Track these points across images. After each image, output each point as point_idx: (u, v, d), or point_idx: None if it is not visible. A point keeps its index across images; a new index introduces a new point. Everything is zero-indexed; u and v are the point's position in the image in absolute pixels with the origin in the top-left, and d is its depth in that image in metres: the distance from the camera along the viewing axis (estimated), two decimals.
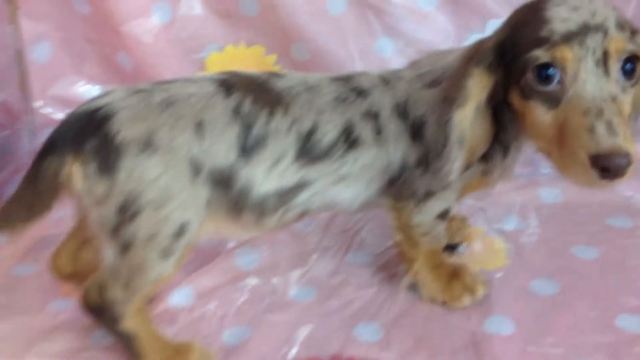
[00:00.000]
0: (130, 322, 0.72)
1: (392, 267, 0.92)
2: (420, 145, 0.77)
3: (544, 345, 0.77)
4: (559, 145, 0.64)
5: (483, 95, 0.69)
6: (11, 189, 1.12)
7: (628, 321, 0.80)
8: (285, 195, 0.75)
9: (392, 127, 0.77)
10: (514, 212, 1.05)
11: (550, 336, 0.78)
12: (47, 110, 1.25)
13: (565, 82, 0.63)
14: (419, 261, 0.85)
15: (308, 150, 0.74)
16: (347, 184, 0.78)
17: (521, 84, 0.66)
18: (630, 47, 0.63)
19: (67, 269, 0.81)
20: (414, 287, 0.87)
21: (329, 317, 0.83)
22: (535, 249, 0.96)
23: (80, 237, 0.79)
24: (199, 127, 0.70)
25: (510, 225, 1.02)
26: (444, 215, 0.82)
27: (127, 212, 0.67)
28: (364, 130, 0.76)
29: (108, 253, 0.70)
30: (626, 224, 1.01)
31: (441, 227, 0.83)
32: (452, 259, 0.92)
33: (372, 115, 0.77)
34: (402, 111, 0.77)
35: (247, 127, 0.72)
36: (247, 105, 0.72)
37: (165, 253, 0.70)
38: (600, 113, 0.61)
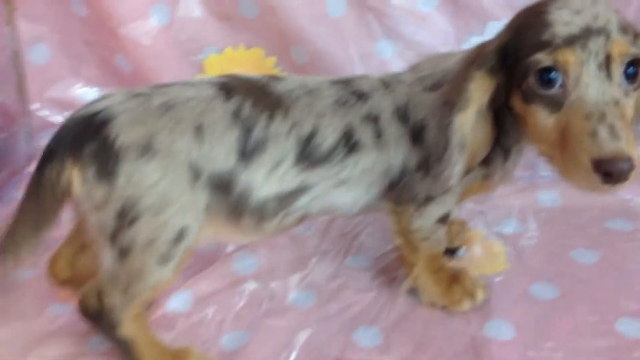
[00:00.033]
0: (128, 328, 0.72)
1: (391, 271, 0.92)
2: (420, 149, 0.76)
3: (544, 349, 0.77)
4: (561, 150, 0.64)
5: (484, 99, 0.69)
6: (8, 192, 1.13)
7: (628, 325, 0.80)
8: (285, 200, 0.75)
9: (393, 130, 0.77)
10: (513, 215, 1.05)
11: (550, 341, 0.78)
12: (44, 112, 1.25)
13: (567, 86, 0.63)
14: (418, 265, 0.84)
15: (308, 154, 0.74)
16: (347, 188, 0.77)
17: (523, 88, 0.66)
18: (633, 51, 0.63)
19: (65, 274, 0.80)
20: (413, 292, 0.86)
21: (328, 322, 0.83)
22: (535, 253, 0.95)
23: (78, 242, 0.79)
24: (199, 131, 0.69)
25: (509, 228, 1.02)
26: (444, 219, 0.81)
27: (126, 217, 0.67)
28: (364, 134, 0.76)
29: (106, 258, 0.69)
30: (625, 227, 1.01)
31: (441, 231, 0.83)
32: (452, 263, 0.91)
33: (373, 119, 0.76)
34: (402, 115, 0.77)
35: (247, 131, 0.71)
36: (246, 109, 0.72)
37: (164, 258, 0.69)
38: (602, 117, 0.61)
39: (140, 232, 0.67)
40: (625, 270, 0.91)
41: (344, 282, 0.90)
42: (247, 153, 0.71)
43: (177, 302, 0.85)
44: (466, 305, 0.82)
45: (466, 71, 0.69)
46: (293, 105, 0.74)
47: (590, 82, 0.62)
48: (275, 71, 1.22)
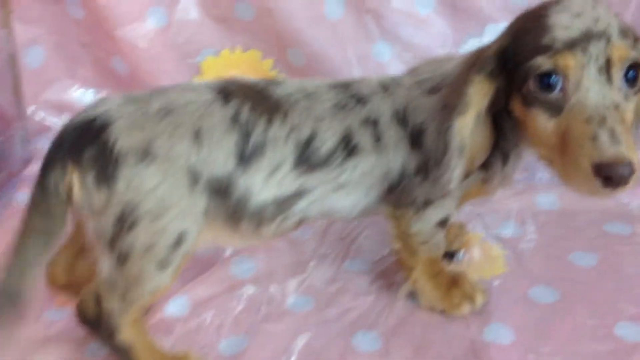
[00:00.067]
0: (126, 334, 0.71)
1: (390, 275, 0.92)
2: (419, 152, 0.76)
3: (543, 353, 0.77)
4: (561, 154, 0.63)
5: (484, 103, 0.68)
6: (5, 195, 1.12)
7: (627, 329, 0.80)
8: (284, 204, 0.75)
9: (392, 134, 0.76)
10: (511, 218, 1.05)
11: (549, 344, 0.78)
12: (40, 115, 1.24)
13: (567, 90, 0.63)
14: (417, 269, 0.84)
15: (307, 158, 0.74)
16: (346, 192, 0.77)
17: (523, 92, 0.65)
18: (633, 55, 0.63)
19: (63, 280, 0.80)
20: (412, 295, 0.86)
21: (327, 326, 0.82)
22: (533, 256, 0.95)
23: (76, 247, 0.78)
24: (197, 135, 0.69)
25: (507, 231, 1.02)
26: (443, 223, 0.81)
27: (125, 222, 0.67)
28: (363, 138, 0.75)
29: (105, 264, 0.69)
30: (623, 231, 1.00)
31: (440, 235, 0.82)
32: (451, 266, 0.91)
33: (372, 122, 0.76)
34: (401, 118, 0.76)
35: (246, 135, 0.71)
36: (245, 113, 0.72)
37: (163, 264, 0.69)
38: (603, 121, 0.60)
39: (139, 237, 0.67)
40: (624, 273, 0.90)
41: (343, 286, 0.90)
42: (246, 157, 0.71)
43: (175, 307, 0.85)
44: (465, 309, 0.82)
45: (465, 75, 0.69)
46: (292, 109, 0.74)
47: (590, 86, 0.62)
48: (272, 73, 1.21)
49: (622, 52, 0.62)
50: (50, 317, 0.83)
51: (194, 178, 0.69)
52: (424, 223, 0.80)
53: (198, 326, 0.82)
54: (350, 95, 0.77)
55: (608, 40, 0.62)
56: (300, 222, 0.78)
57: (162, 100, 0.70)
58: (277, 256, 0.96)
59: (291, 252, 0.97)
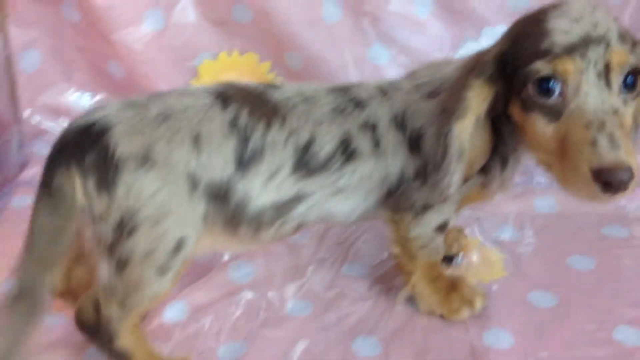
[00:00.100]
0: (125, 340, 0.71)
1: (388, 279, 0.91)
2: (418, 157, 0.76)
3: (543, 358, 0.77)
4: (560, 158, 0.63)
5: (483, 108, 0.68)
6: (0, 200, 1.11)
7: (626, 333, 0.80)
8: (282, 208, 0.74)
9: (390, 138, 0.76)
10: (509, 222, 1.05)
11: (548, 349, 0.78)
12: (36, 119, 1.23)
13: (566, 95, 0.63)
14: (416, 274, 0.84)
15: (305, 163, 0.73)
16: (345, 196, 0.77)
17: (522, 96, 0.65)
18: (632, 61, 0.62)
19: (60, 286, 0.79)
20: (411, 300, 0.86)
21: (326, 332, 0.82)
22: (532, 260, 0.95)
23: (73, 253, 0.77)
24: (196, 140, 0.69)
25: (506, 235, 1.02)
26: (442, 228, 0.81)
27: (124, 228, 0.66)
28: (362, 142, 0.75)
29: (104, 270, 0.69)
30: (621, 234, 1.01)
31: (439, 239, 0.82)
32: (450, 271, 0.91)
33: (370, 127, 0.76)
34: (400, 122, 0.76)
35: (244, 140, 0.71)
36: (243, 118, 0.71)
37: (163, 269, 0.68)
38: (602, 126, 0.60)
39: (139, 243, 0.67)
40: (622, 276, 0.91)
41: (341, 290, 0.89)
42: (245, 162, 0.71)
43: (173, 312, 0.84)
44: (465, 313, 0.82)
45: (464, 79, 0.69)
46: (290, 114, 0.74)
47: (589, 91, 0.62)
48: (269, 76, 1.21)
49: (621, 57, 0.62)
50: (48, 322, 0.82)
51: (193, 183, 0.69)
52: (423, 227, 0.80)
53: (197, 332, 0.82)
54: (349, 99, 0.77)
55: (607, 45, 0.62)
56: (299, 227, 0.78)
57: (160, 105, 0.70)
58: (275, 261, 0.95)
59: (289, 257, 0.96)
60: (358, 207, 0.79)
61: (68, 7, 1.16)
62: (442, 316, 0.83)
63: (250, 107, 0.72)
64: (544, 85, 0.63)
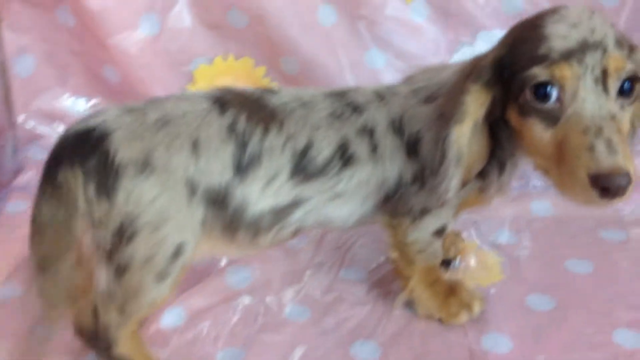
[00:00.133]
0: (124, 347, 0.71)
1: (386, 283, 0.91)
2: (416, 161, 0.76)
3: None
4: (558, 163, 0.64)
5: (481, 112, 0.68)
6: None
7: (624, 336, 0.80)
8: (280, 213, 0.74)
9: (388, 143, 0.76)
10: (506, 225, 1.05)
11: (547, 353, 0.78)
12: (31, 124, 1.23)
13: (564, 100, 0.63)
14: (414, 278, 0.84)
15: (303, 168, 0.73)
16: (343, 201, 0.77)
17: (519, 102, 0.65)
18: (629, 67, 0.63)
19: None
20: (409, 305, 0.86)
21: (324, 336, 0.82)
22: (529, 263, 0.96)
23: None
24: (195, 145, 0.69)
25: (503, 238, 1.02)
26: (440, 232, 0.81)
27: (124, 234, 0.66)
28: (360, 147, 0.75)
29: (103, 276, 0.68)
30: (618, 237, 1.01)
31: (437, 244, 0.82)
32: (448, 274, 0.91)
33: (368, 132, 0.76)
34: (397, 127, 0.76)
35: (242, 145, 0.71)
36: (241, 123, 0.71)
37: (162, 275, 0.68)
38: (599, 131, 0.61)
39: (138, 248, 0.66)
40: (620, 280, 0.91)
41: (339, 295, 0.89)
42: (243, 167, 0.71)
43: (171, 318, 0.84)
44: (463, 317, 0.82)
45: (462, 84, 0.69)
46: (288, 118, 0.74)
47: (587, 97, 0.62)
48: (265, 81, 1.21)
49: (618, 62, 0.62)
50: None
51: (192, 189, 0.68)
52: (421, 232, 0.80)
53: (194, 337, 0.82)
54: (346, 104, 0.77)
55: (604, 51, 0.62)
56: (296, 232, 0.78)
57: (158, 110, 0.70)
58: (272, 265, 0.95)
59: (287, 261, 0.96)
60: (356, 212, 0.79)
61: (63, 12, 1.15)
62: (440, 320, 0.83)
63: (248, 112, 0.72)
64: (541, 90, 0.63)
